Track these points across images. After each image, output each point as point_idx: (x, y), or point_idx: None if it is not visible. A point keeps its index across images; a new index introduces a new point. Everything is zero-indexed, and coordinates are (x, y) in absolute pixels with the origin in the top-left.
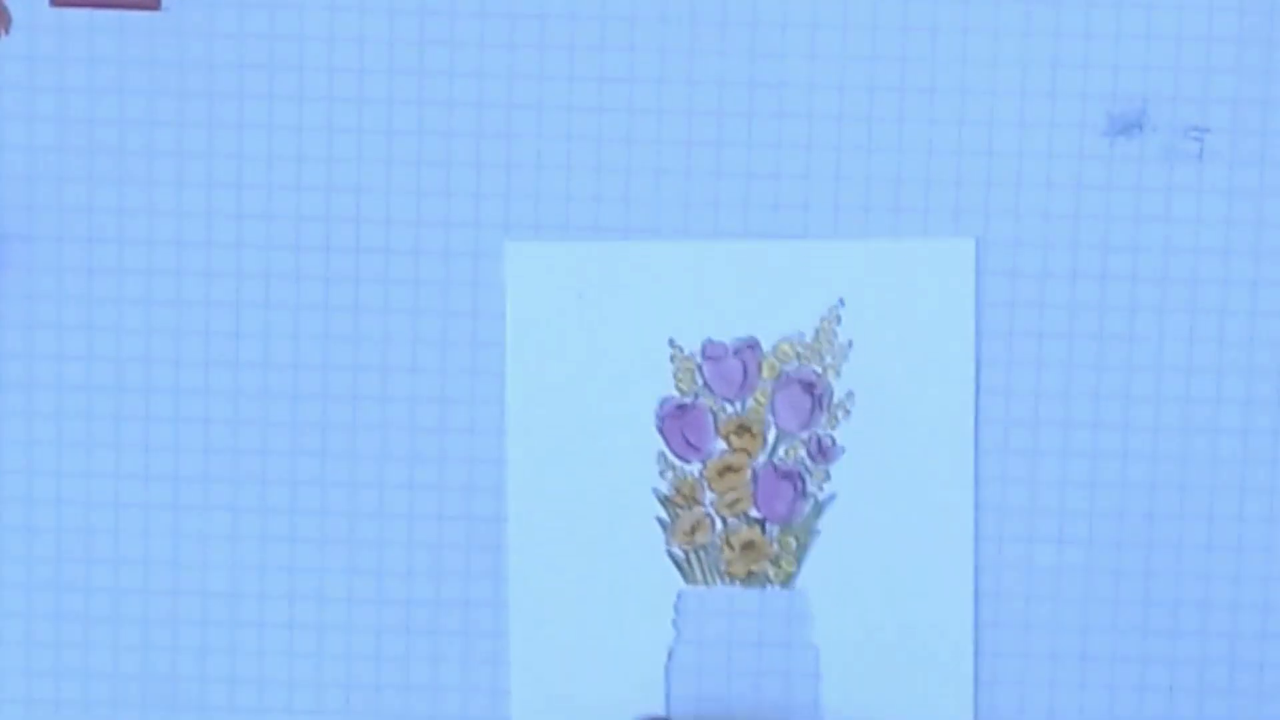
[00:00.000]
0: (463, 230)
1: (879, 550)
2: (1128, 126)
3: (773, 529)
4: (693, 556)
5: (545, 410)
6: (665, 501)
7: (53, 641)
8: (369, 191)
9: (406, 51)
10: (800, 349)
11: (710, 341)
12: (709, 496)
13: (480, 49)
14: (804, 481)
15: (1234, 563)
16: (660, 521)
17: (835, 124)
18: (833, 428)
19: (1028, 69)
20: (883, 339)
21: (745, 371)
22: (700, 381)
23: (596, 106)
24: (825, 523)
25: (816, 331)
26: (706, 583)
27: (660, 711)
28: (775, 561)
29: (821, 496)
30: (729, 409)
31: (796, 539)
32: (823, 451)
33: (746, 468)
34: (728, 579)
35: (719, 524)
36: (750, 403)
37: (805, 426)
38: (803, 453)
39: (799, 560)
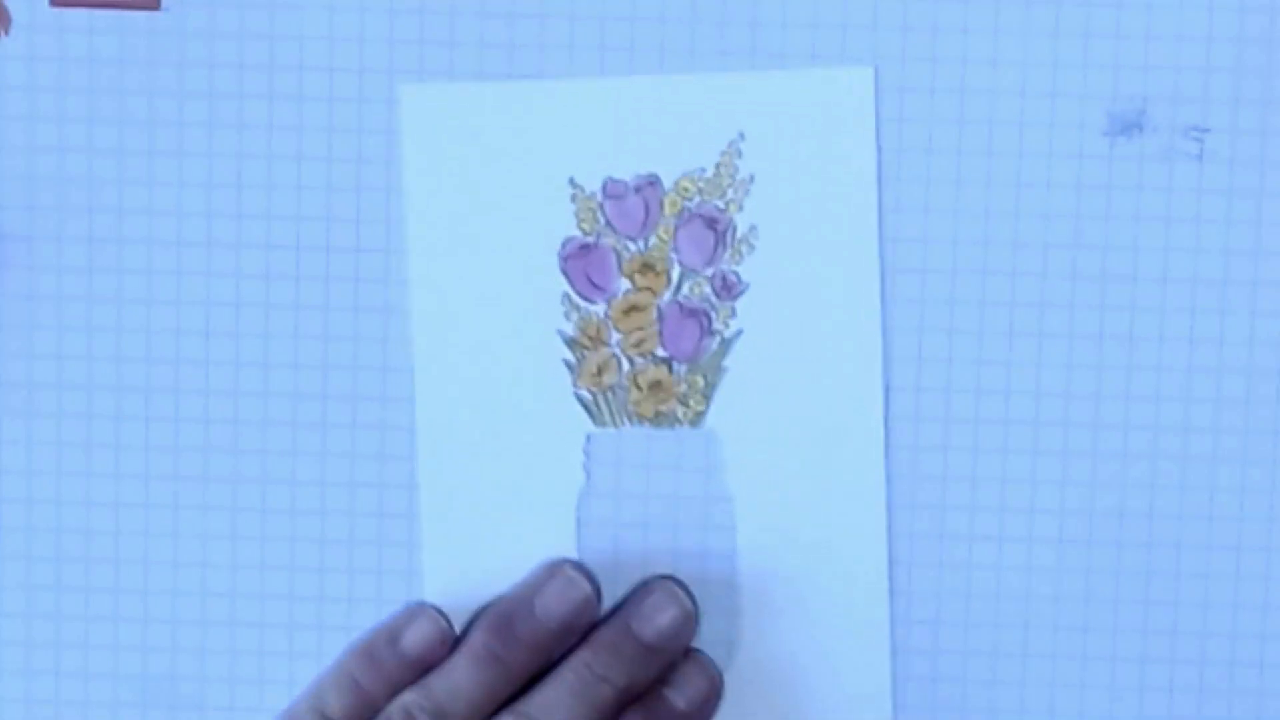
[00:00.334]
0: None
1: (788, 386)
2: (1128, 126)
3: (680, 368)
4: (600, 398)
5: (447, 254)
6: (571, 343)
7: (53, 641)
8: (369, 191)
9: (406, 51)
10: (702, 184)
11: (611, 180)
12: (615, 337)
13: (481, 48)
14: (709, 319)
15: (1234, 563)
16: (566, 364)
17: None
18: (737, 264)
19: (1028, 69)
20: (784, 172)
21: (647, 209)
22: (602, 220)
23: None
24: (732, 360)
25: (717, 166)
26: (615, 424)
27: (572, 555)
28: (684, 401)
29: (728, 334)
30: (632, 247)
31: (704, 377)
32: (727, 288)
33: (651, 307)
34: (636, 420)
35: (626, 364)
36: (653, 240)
37: (709, 263)
38: (707, 290)
39: (708, 399)
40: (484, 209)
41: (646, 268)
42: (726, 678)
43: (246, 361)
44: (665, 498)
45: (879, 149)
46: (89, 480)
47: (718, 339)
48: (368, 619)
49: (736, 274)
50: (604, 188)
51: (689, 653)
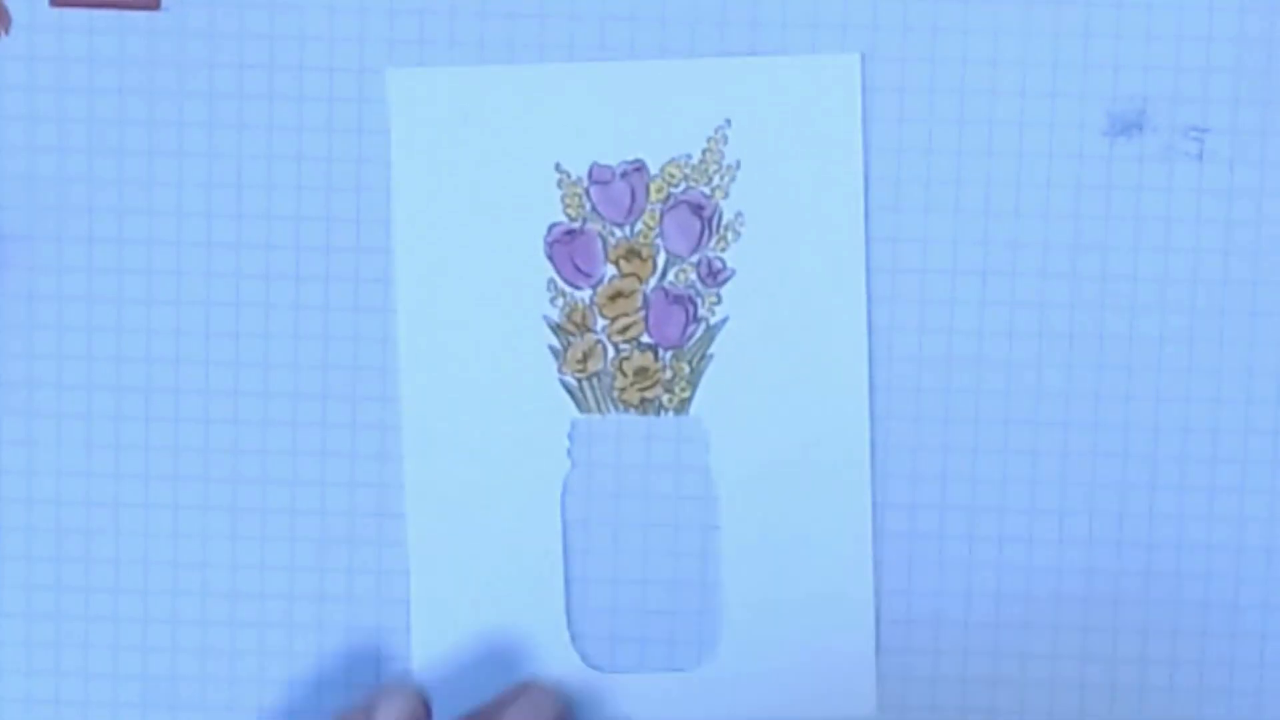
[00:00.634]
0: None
1: (773, 373)
2: (1128, 126)
3: (665, 354)
4: (585, 385)
5: (433, 239)
6: (556, 329)
7: (53, 641)
8: (369, 191)
9: (406, 51)
10: (688, 170)
11: (597, 165)
12: (600, 323)
13: (481, 47)
14: (695, 305)
15: (1234, 563)
16: (552, 350)
17: None
18: (723, 250)
19: (1028, 69)
20: (770, 159)
21: (633, 195)
22: (588, 206)
23: None
24: (718, 347)
25: (704, 152)
26: (600, 411)
27: (557, 544)
28: (669, 388)
29: (713, 320)
30: (618, 233)
31: (690, 364)
32: (713, 274)
33: (637, 293)
34: (622, 406)
35: (611, 351)
36: (639, 226)
37: (695, 249)
38: (693, 276)
39: (693, 386)
40: (470, 194)
41: (632, 254)
42: (708, 669)
43: (246, 361)
44: (650, 485)
45: (878, 148)
46: (89, 480)
47: (703, 325)
48: (368, 619)
49: (722, 260)
50: (590, 173)
51: None
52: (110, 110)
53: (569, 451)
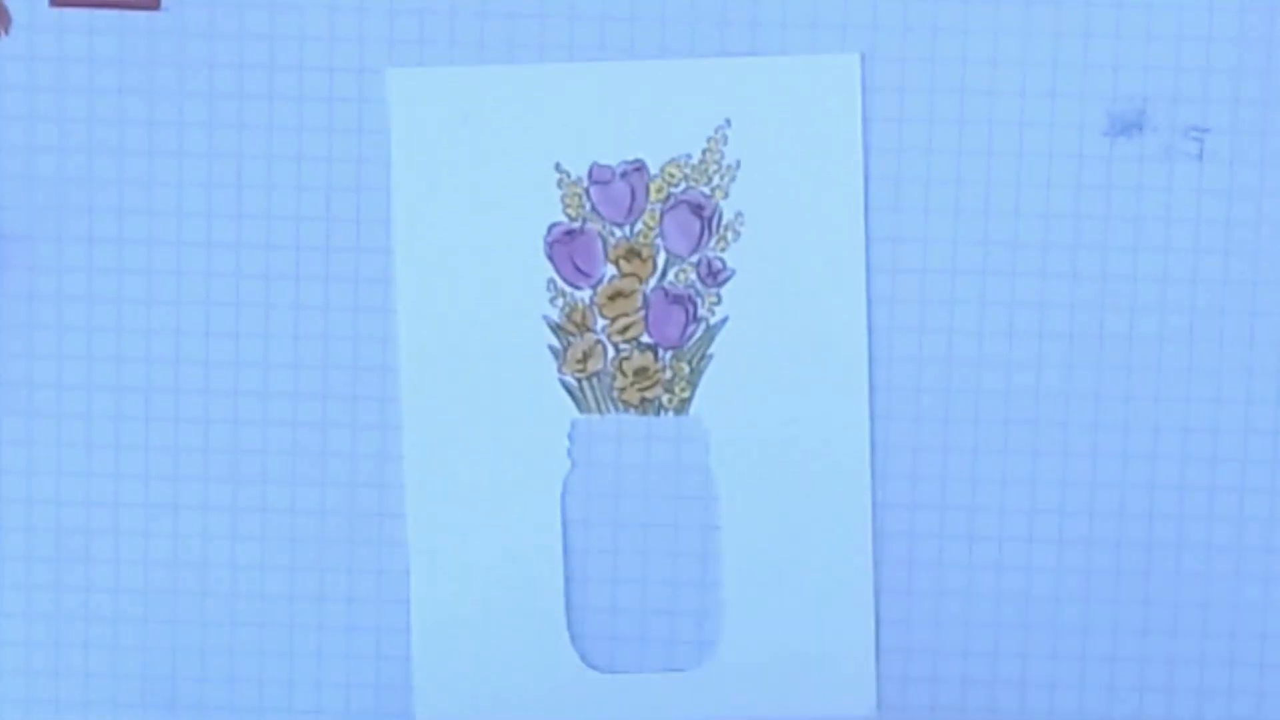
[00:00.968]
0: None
1: (773, 372)
2: (1128, 126)
3: (665, 354)
4: (585, 385)
5: (433, 239)
6: (556, 329)
7: (53, 641)
8: (369, 191)
9: (406, 51)
10: (688, 170)
11: (597, 165)
12: (600, 323)
13: (481, 47)
14: (695, 305)
15: (1234, 562)
16: (552, 349)
17: None
18: (722, 250)
19: (1028, 69)
20: (770, 158)
21: (633, 195)
22: (588, 206)
23: None
24: (718, 347)
25: (703, 152)
26: (600, 411)
27: (557, 544)
28: (669, 388)
29: (713, 320)
30: (618, 233)
31: (689, 364)
32: (713, 274)
33: (637, 293)
34: (621, 406)
35: (611, 351)
36: (639, 226)
37: (695, 249)
38: (693, 276)
39: (693, 386)
40: (470, 194)
41: (632, 254)
42: (708, 669)
43: (246, 361)
44: (650, 485)
45: (878, 148)
46: (89, 480)
47: (703, 325)
48: (368, 619)
49: (722, 260)
50: (590, 173)
51: None
52: (110, 110)
53: (569, 451)
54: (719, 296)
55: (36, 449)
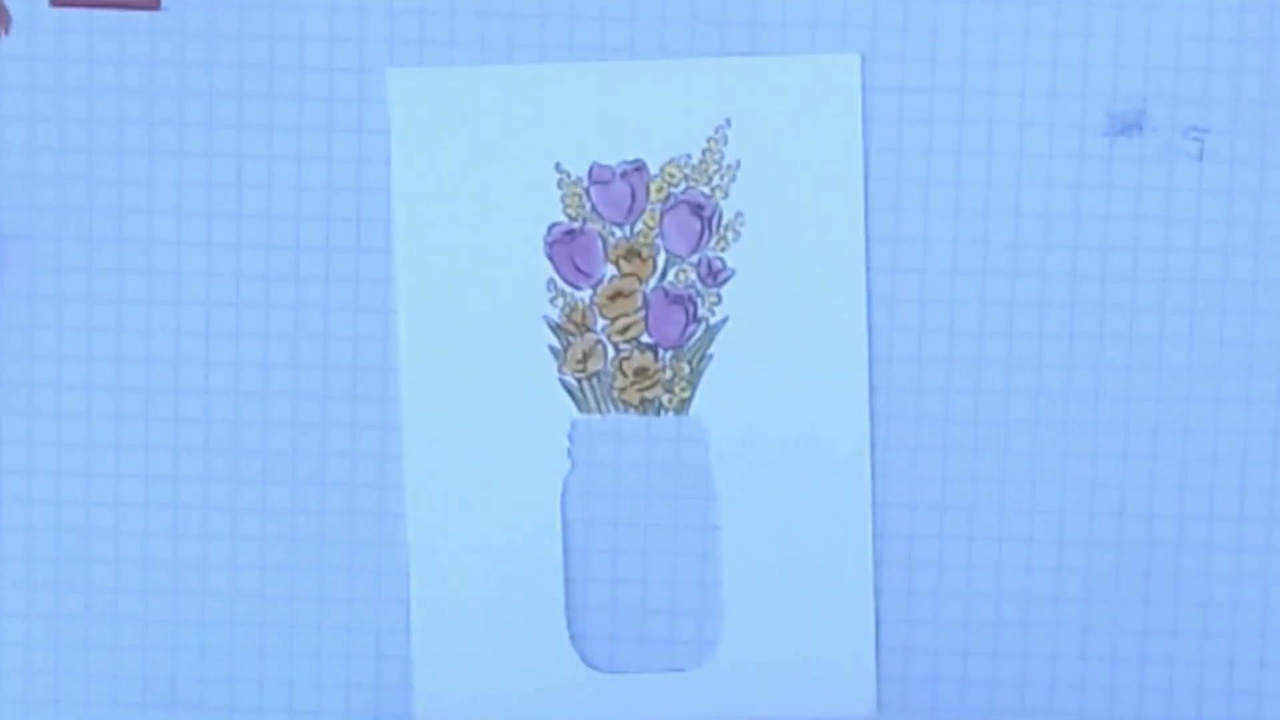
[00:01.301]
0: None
1: (773, 373)
2: (1128, 126)
3: (665, 354)
4: (585, 385)
5: (433, 239)
6: (556, 329)
7: (53, 641)
8: (369, 191)
9: (406, 51)
10: (688, 170)
11: (597, 165)
12: (600, 323)
13: (481, 47)
14: (695, 305)
15: (1234, 563)
16: (552, 349)
17: None
18: (722, 250)
19: (1028, 69)
20: (770, 158)
21: (633, 195)
22: (588, 206)
23: None
24: (718, 347)
25: (704, 152)
26: (600, 411)
27: (557, 544)
28: (669, 388)
29: (713, 320)
30: (618, 233)
31: (690, 364)
32: (713, 274)
33: (637, 293)
34: (621, 406)
35: (611, 351)
36: (639, 226)
37: (695, 249)
38: (693, 276)
39: (693, 386)
40: (470, 194)
41: (632, 254)
42: (708, 669)
43: (246, 361)
44: (650, 485)
45: (878, 148)
46: (89, 480)
47: (703, 325)
48: (368, 619)
49: (722, 260)
50: (590, 173)
51: None
52: (110, 110)
53: (569, 451)
54: (719, 296)
55: (36, 449)
